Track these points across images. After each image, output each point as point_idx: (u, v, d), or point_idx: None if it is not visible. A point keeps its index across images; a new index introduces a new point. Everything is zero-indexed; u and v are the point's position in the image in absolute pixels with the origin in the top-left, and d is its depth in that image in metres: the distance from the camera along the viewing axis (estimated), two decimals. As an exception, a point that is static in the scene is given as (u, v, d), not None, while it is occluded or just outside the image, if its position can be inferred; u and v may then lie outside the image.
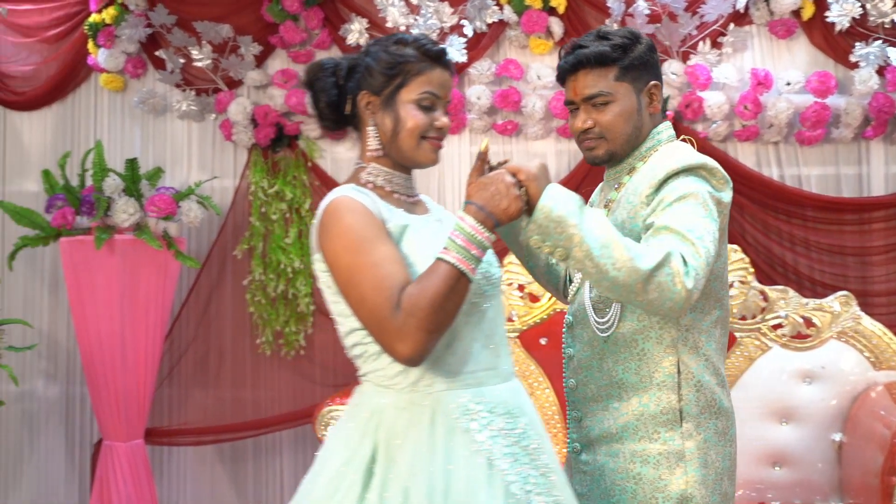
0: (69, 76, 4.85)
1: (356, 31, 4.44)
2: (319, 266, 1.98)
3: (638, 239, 2.08)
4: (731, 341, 3.93)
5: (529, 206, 1.94)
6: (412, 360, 1.83)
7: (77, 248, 4.22)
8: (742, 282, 3.94)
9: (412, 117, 1.99)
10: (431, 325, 1.81)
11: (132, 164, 4.22)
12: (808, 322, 3.92)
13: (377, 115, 2.03)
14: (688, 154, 2.14)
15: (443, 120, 2.02)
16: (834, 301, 3.91)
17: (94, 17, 4.70)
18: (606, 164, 2.29)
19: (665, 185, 2.10)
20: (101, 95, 4.88)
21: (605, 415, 2.20)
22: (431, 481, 1.84)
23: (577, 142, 2.27)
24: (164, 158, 4.78)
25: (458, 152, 4.50)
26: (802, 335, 3.92)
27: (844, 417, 3.82)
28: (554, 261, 2.44)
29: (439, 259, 1.84)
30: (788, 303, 3.94)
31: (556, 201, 1.92)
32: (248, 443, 4.70)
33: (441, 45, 2.06)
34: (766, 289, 3.96)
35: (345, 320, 1.98)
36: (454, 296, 1.83)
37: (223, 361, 4.70)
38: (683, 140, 2.27)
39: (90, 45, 4.74)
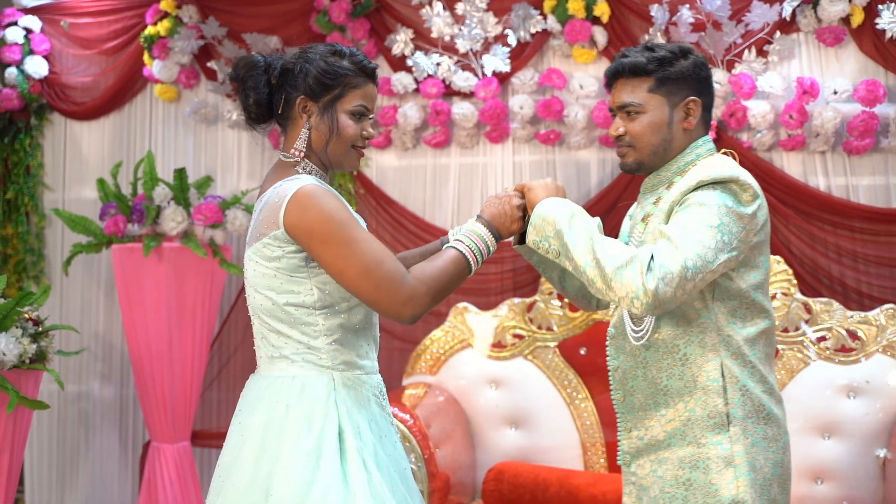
0: (126, 87, 5.01)
1: (401, 42, 4.50)
2: (275, 243, 2.10)
3: None
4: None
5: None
6: (414, 320, 2.09)
7: (127, 255, 4.35)
8: (785, 293, 3.89)
9: (347, 126, 2.19)
10: (437, 296, 2.09)
11: (181, 173, 4.33)
12: (853, 335, 3.84)
13: (313, 119, 2.20)
14: (722, 167, 2.17)
15: (369, 130, 2.25)
16: (880, 314, 3.83)
17: (149, 30, 4.84)
18: (635, 173, 2.36)
19: (691, 194, 2.16)
20: (155, 105, 5.03)
21: (654, 423, 2.24)
22: (386, 446, 2.17)
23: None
24: (215, 167, 4.90)
25: (501, 162, 4.51)
26: (847, 348, 3.84)
27: (889, 433, 3.73)
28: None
29: (451, 247, 2.16)
30: (832, 315, 3.86)
31: (550, 206, 2.16)
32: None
33: (374, 63, 2.27)
34: (810, 301, 3.89)
35: (279, 296, 2.13)
36: (456, 279, 2.14)
37: (270, 366, 4.77)
38: (725, 153, 2.30)
39: (146, 56, 4.88)
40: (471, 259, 2.15)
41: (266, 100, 2.22)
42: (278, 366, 2.15)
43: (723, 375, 2.17)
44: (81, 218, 4.44)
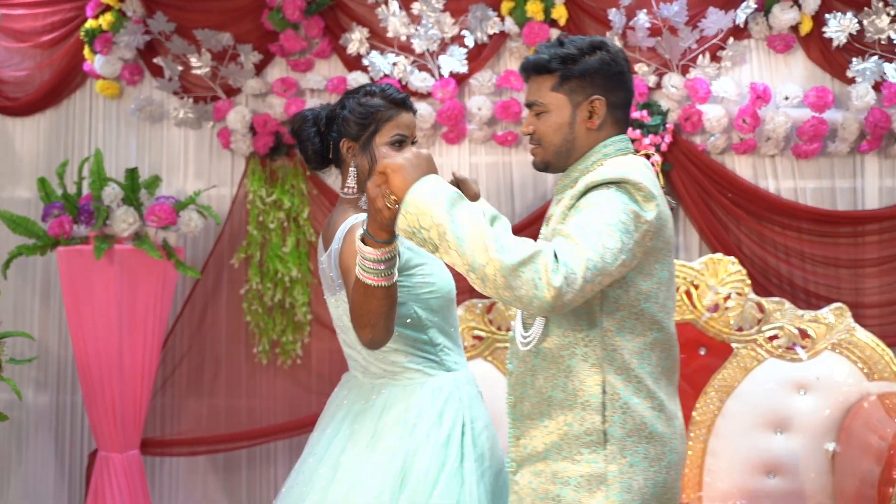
0: (64, 82, 4.80)
1: (356, 41, 4.44)
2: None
3: None
4: (727, 352, 3.98)
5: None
6: (371, 346, 2.26)
7: (75, 258, 4.17)
8: (739, 293, 3.99)
9: (386, 156, 2.38)
10: (366, 324, 2.19)
11: (132, 173, 4.19)
12: (804, 333, 3.97)
13: (357, 158, 2.45)
14: (620, 168, 2.08)
15: None
16: (829, 313, 3.97)
17: (90, 24, 4.65)
18: (545, 171, 2.28)
19: (584, 197, 2.06)
20: (96, 102, 4.84)
21: (537, 433, 2.15)
22: (489, 431, 2.53)
23: None
24: (161, 166, 4.74)
25: (458, 163, 4.51)
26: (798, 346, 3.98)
27: (838, 427, 3.88)
28: None
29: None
30: (784, 314, 3.99)
31: (426, 192, 1.89)
32: (242, 452, 4.66)
33: (402, 94, 2.48)
34: (763, 300, 4.01)
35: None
36: (371, 299, 2.13)
37: (219, 371, 4.66)
38: (643, 155, 2.24)
39: (86, 51, 4.70)
40: (363, 278, 2.09)
41: (321, 148, 2.49)
42: (405, 375, 2.46)
43: (604, 391, 2.07)
44: (23, 219, 4.24)
